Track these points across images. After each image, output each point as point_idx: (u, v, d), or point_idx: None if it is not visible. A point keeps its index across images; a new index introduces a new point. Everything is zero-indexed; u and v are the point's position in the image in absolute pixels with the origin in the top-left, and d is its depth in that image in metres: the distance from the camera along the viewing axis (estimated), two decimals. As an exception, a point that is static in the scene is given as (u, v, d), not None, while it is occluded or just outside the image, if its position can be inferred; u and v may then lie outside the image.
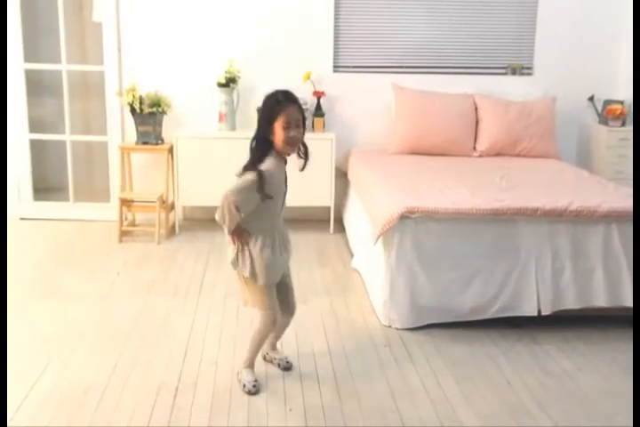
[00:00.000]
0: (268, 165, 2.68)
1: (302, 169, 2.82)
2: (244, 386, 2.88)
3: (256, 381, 2.90)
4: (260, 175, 2.64)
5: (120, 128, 5.40)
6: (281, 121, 2.64)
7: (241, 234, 2.76)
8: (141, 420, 2.63)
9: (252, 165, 2.69)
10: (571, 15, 5.43)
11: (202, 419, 2.65)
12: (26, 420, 2.62)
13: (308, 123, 5.12)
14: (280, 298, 2.91)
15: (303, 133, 2.74)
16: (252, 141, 2.75)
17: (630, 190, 3.95)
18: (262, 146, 2.71)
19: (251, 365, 2.97)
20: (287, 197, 2.87)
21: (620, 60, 5.48)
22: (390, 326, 3.53)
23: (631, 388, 2.99)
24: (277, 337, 3.12)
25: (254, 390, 2.85)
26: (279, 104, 2.67)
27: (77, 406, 2.72)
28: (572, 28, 5.45)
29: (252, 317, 3.55)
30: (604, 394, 2.93)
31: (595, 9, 5.44)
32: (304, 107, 5.01)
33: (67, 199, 5.55)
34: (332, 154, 5.07)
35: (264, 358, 3.13)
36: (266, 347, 3.10)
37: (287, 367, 3.07)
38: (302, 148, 2.79)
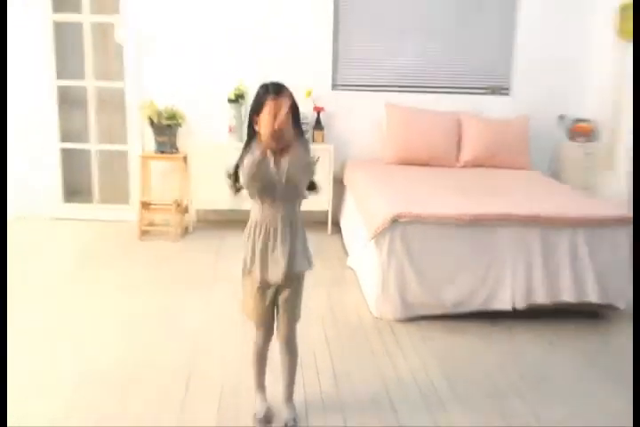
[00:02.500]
0: (246, 158, 2.27)
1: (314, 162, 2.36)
2: (254, 415, 2.55)
3: (267, 409, 2.56)
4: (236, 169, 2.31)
5: (140, 138, 5.41)
6: (266, 111, 2.23)
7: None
8: (155, 406, 2.62)
9: (241, 155, 2.31)
10: (544, 43, 5.46)
11: (212, 405, 2.64)
12: (44, 407, 2.59)
13: (308, 135, 5.23)
14: (277, 322, 2.49)
15: (297, 127, 2.30)
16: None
17: (594, 200, 4.00)
18: (249, 136, 2.34)
19: (258, 387, 2.62)
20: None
21: (588, 84, 5.52)
22: (382, 318, 3.56)
23: (594, 373, 3.04)
24: (288, 382, 2.57)
25: (261, 422, 2.52)
26: (266, 93, 2.26)
27: (93, 398, 2.68)
28: (545, 55, 5.48)
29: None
30: (571, 381, 2.97)
31: (565, 38, 5.47)
32: (305, 121, 5.14)
33: (92, 201, 5.57)
34: (330, 163, 5.10)
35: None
36: (283, 398, 2.59)
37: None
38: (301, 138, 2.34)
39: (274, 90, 2.27)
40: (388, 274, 3.51)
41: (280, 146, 2.26)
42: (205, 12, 5.27)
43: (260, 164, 2.24)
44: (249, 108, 2.36)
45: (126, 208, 5.48)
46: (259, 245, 2.35)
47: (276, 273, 2.35)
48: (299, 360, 2.57)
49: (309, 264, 2.44)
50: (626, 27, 4.93)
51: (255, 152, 2.25)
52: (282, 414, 2.55)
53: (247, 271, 2.40)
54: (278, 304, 2.45)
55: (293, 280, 2.41)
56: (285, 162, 2.26)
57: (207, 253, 4.68)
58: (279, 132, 2.23)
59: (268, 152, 2.27)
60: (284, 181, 2.27)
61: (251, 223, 2.41)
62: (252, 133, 2.33)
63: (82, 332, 3.30)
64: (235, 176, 2.34)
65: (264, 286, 2.39)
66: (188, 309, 3.65)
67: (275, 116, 2.21)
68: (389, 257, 3.50)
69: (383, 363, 3.06)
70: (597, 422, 2.62)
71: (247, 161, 2.25)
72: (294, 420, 2.52)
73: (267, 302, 2.43)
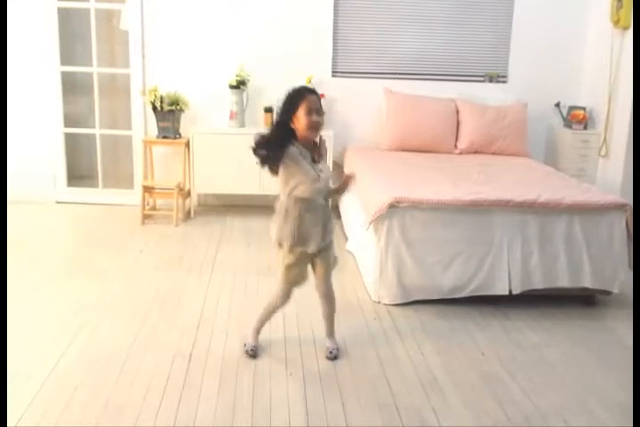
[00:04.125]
0: (293, 149, 2.58)
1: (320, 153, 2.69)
2: (245, 346, 2.88)
3: (255, 346, 2.88)
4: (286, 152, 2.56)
5: (143, 124, 5.32)
6: (304, 107, 2.54)
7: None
8: (160, 381, 2.61)
9: (276, 145, 2.56)
10: (540, 31, 5.36)
11: (213, 381, 2.63)
12: (59, 379, 2.60)
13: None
14: (316, 281, 2.83)
15: (322, 122, 2.63)
16: (272, 128, 2.63)
17: (590, 186, 3.91)
18: (285, 134, 2.59)
19: (256, 330, 2.92)
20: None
21: (583, 72, 5.42)
22: (380, 302, 3.49)
23: (588, 358, 2.98)
24: (327, 321, 2.93)
25: (251, 353, 2.84)
26: (302, 93, 2.59)
27: (104, 369, 2.70)
28: (542, 43, 5.39)
29: (259, 291, 3.53)
30: (565, 364, 2.91)
31: (562, 26, 5.37)
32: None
33: (96, 186, 5.47)
34: (330, 150, 5.00)
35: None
36: (325, 333, 2.96)
37: (329, 357, 2.86)
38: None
39: (307, 89, 2.64)
40: (385, 259, 3.44)
41: (316, 136, 2.62)
42: (208, 0, 5.16)
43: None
44: (280, 112, 2.62)
45: (130, 193, 5.39)
46: (309, 227, 2.68)
47: (317, 245, 2.71)
48: (335, 303, 2.92)
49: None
50: (621, 15, 4.82)
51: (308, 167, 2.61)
52: (325, 343, 2.92)
53: (289, 248, 2.70)
54: (317, 265, 2.79)
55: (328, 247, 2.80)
56: (324, 167, 2.69)
57: (208, 237, 4.61)
58: (318, 123, 2.57)
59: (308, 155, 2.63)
60: (328, 183, 2.69)
61: (293, 210, 2.66)
62: (288, 132, 2.58)
63: (83, 314, 3.23)
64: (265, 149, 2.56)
65: (307, 254, 2.73)
66: (189, 291, 3.59)
67: (309, 112, 2.54)
68: (387, 242, 3.43)
69: (380, 346, 3.00)
70: (593, 406, 2.56)
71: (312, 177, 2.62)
72: (336, 349, 2.88)
73: (306, 267, 2.80)
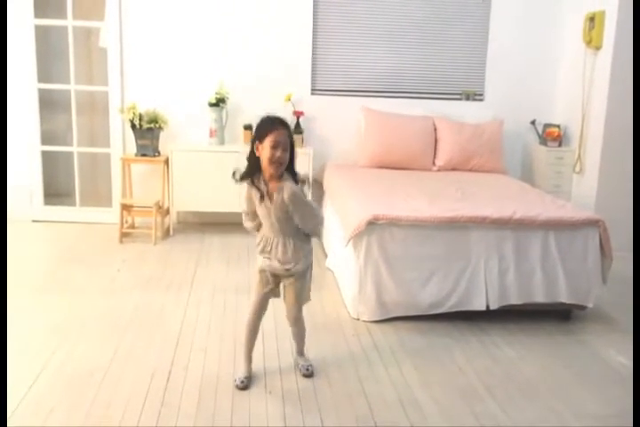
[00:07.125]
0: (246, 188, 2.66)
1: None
2: (235, 380, 2.78)
3: (246, 378, 2.78)
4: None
5: (121, 141, 5.35)
6: (271, 139, 2.50)
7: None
8: (137, 400, 2.61)
9: (243, 177, 2.65)
10: (516, 50, 5.52)
11: (191, 400, 2.63)
12: (36, 399, 2.60)
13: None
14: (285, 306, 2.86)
15: (292, 158, 2.59)
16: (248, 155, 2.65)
17: (564, 203, 3.99)
18: (251, 163, 2.61)
19: (245, 357, 2.84)
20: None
21: (558, 90, 5.57)
22: (359, 319, 3.53)
23: (564, 371, 3.03)
24: (297, 344, 2.96)
25: (241, 386, 2.73)
26: (273, 124, 2.54)
27: (81, 388, 2.70)
28: (518, 62, 5.54)
29: (238, 308, 3.55)
30: (542, 379, 2.96)
31: (536, 46, 5.53)
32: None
33: (73, 204, 5.49)
34: (309, 167, 5.08)
35: (295, 362, 2.98)
36: (294, 353, 2.99)
37: (306, 375, 2.87)
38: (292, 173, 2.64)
39: (279, 121, 2.57)
40: (364, 275, 3.48)
41: (277, 172, 2.56)
42: (188, 18, 5.23)
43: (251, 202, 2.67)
44: (252, 138, 2.61)
45: (109, 211, 5.40)
46: (261, 251, 2.75)
47: (274, 267, 2.73)
48: (305, 330, 2.96)
49: (303, 264, 2.75)
50: (593, 36, 4.97)
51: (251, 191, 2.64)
52: (298, 362, 2.95)
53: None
54: (284, 292, 2.84)
55: (293, 275, 2.76)
56: (278, 198, 2.58)
57: (187, 255, 4.63)
58: (281, 158, 2.53)
59: (263, 186, 2.60)
60: (273, 216, 2.63)
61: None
62: (253, 158, 2.60)
63: (61, 332, 3.24)
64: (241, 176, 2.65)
65: (264, 276, 2.76)
66: (168, 308, 3.61)
67: (275, 146, 2.51)
68: (366, 259, 3.48)
69: (359, 362, 3.03)
70: (570, 422, 2.60)
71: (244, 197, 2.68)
72: (310, 366, 2.91)
73: (265, 290, 2.79)
